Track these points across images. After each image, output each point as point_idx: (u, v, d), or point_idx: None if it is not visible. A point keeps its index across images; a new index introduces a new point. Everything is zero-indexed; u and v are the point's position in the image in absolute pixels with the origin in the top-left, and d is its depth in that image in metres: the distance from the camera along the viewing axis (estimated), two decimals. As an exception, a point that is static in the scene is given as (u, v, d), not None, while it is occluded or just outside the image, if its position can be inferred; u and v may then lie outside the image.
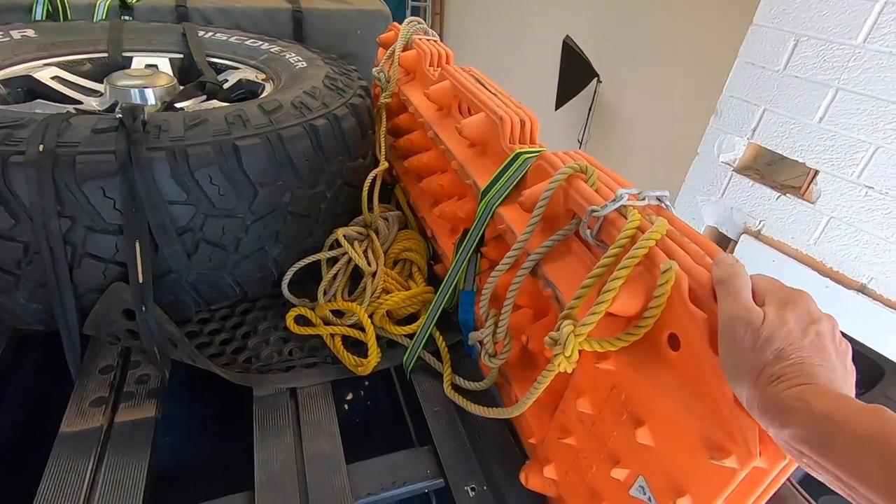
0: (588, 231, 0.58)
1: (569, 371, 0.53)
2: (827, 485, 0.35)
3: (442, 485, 0.72)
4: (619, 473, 0.52)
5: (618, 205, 0.55)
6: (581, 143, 3.22)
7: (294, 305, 0.94)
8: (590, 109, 3.14)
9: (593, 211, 0.57)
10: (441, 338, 0.89)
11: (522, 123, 0.83)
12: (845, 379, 0.39)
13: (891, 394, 3.39)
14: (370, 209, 1.06)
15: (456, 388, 0.82)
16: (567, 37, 2.93)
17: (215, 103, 1.09)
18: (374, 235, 1.04)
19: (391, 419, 1.00)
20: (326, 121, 0.92)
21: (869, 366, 3.02)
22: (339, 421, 0.77)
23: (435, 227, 1.04)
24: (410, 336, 0.89)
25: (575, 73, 2.99)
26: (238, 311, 0.95)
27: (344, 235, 0.98)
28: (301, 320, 0.93)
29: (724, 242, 1.79)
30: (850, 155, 1.41)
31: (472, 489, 0.70)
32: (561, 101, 3.09)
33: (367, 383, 1.17)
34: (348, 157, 0.99)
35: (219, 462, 0.88)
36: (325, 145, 0.91)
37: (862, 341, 1.53)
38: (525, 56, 3.69)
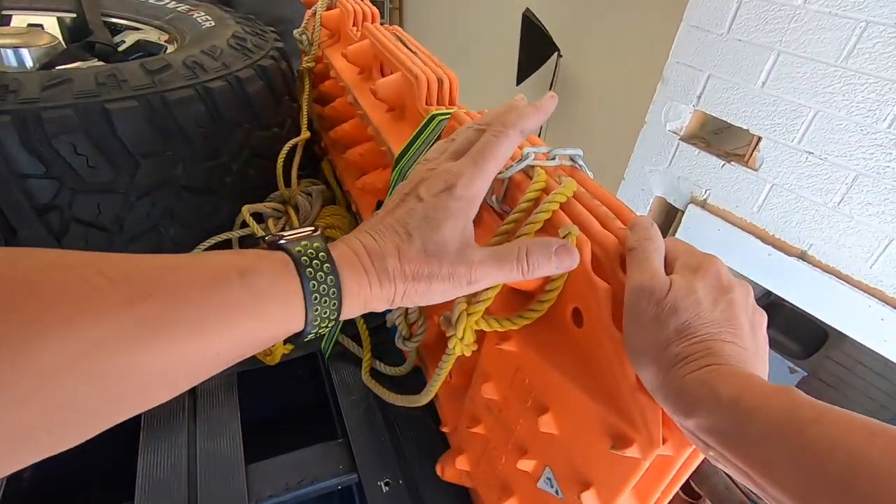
0: (494, 197, 0.52)
1: (466, 354, 0.47)
2: (737, 477, 0.31)
3: (356, 480, 0.66)
4: (525, 465, 0.47)
5: (523, 165, 0.49)
6: (542, 119, 3.16)
7: (200, 291, 0.85)
8: (551, 84, 3.07)
9: (497, 173, 0.50)
10: (361, 320, 0.82)
11: (440, 83, 0.76)
12: (757, 354, 0.34)
13: (835, 356, 3.55)
14: (287, 183, 0.97)
15: (376, 374, 0.76)
16: (527, 9, 2.83)
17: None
18: (292, 212, 0.95)
19: (317, 411, 0.93)
20: (226, 83, 0.82)
21: (814, 330, 3.14)
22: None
23: (359, 200, 0.96)
24: (328, 320, 0.82)
25: (535, 47, 2.91)
26: (135, 300, 0.85)
27: (254, 213, 0.89)
28: (207, 307, 0.84)
29: (672, 213, 1.78)
30: (791, 120, 1.39)
31: (387, 483, 0.65)
32: (522, 75, 3.02)
33: (299, 373, 1.09)
34: (257, 125, 0.89)
35: (103, 472, 0.79)
36: (225, 111, 0.81)
37: (803, 308, 1.56)
38: (486, 30, 3.57)
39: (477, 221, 0.58)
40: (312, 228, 0.36)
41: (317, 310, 0.32)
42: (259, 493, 0.62)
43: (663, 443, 0.36)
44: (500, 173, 0.50)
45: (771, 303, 3.12)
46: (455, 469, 0.60)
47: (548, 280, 0.43)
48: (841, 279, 1.41)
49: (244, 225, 0.91)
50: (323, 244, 0.34)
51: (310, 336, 0.33)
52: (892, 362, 1.39)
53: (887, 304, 1.35)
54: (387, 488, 0.64)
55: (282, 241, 0.34)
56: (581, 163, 0.52)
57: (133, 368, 0.25)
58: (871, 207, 1.33)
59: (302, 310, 0.32)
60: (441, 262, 0.36)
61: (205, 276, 0.29)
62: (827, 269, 1.44)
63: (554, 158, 0.50)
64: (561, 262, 0.39)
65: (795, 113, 1.38)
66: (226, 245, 0.89)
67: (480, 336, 0.49)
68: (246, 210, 0.86)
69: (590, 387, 0.40)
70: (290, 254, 0.32)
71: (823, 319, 1.49)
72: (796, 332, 3.16)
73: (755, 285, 1.67)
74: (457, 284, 0.37)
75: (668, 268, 0.38)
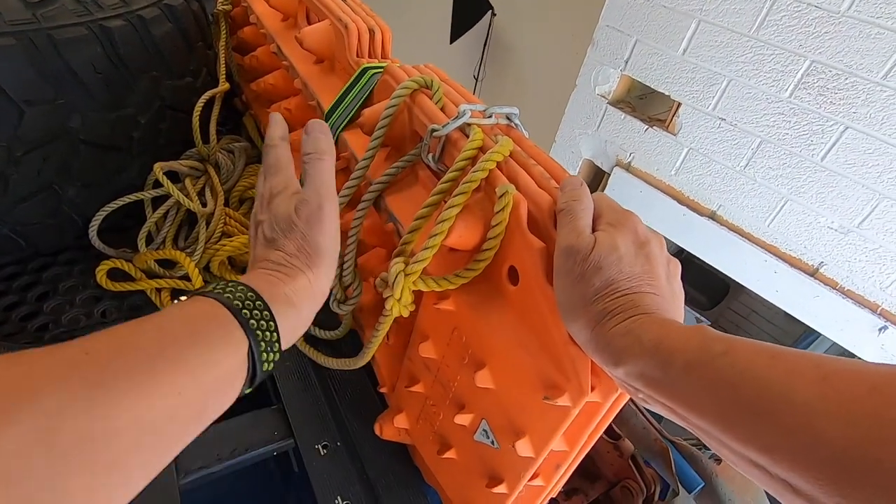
0: (430, 155, 0.51)
1: (404, 315, 0.46)
2: (665, 415, 0.33)
3: (292, 445, 0.66)
4: (463, 419, 0.49)
5: (459, 122, 0.48)
6: (477, 80, 3.12)
7: (110, 258, 0.78)
8: (485, 44, 3.02)
9: (433, 130, 0.49)
10: (293, 285, 0.79)
11: (372, 33, 0.72)
12: (674, 300, 0.37)
13: (734, 306, 3.94)
14: (205, 139, 0.89)
15: (310, 338, 0.74)
16: (461, -35, 2.74)
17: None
18: (212, 171, 0.88)
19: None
20: (127, 23, 0.72)
21: (718, 283, 3.45)
22: None
23: (287, 159, 0.91)
24: (257, 285, 0.78)
25: (469, 4, 2.84)
26: (31, 269, 0.76)
27: (169, 171, 0.81)
28: (120, 275, 0.77)
29: (599, 175, 1.86)
30: (708, 87, 1.48)
31: (325, 446, 0.64)
32: (455, 33, 2.94)
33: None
34: (166, 73, 0.80)
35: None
36: (127, 55, 0.72)
37: (711, 263, 1.71)
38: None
39: (413, 180, 0.57)
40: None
41: (245, 313, 0.33)
42: (188, 466, 0.60)
43: (592, 390, 0.38)
44: (435, 131, 0.49)
45: (683, 259, 3.41)
46: (393, 427, 0.60)
47: (484, 239, 0.43)
48: (743, 237, 1.55)
49: (158, 185, 0.83)
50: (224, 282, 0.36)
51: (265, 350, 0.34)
52: (780, 310, 1.57)
53: (780, 258, 1.51)
54: (325, 451, 0.64)
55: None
56: (517, 121, 0.52)
57: (99, 433, 0.24)
58: (771, 171, 1.46)
59: (233, 320, 0.32)
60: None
61: (138, 324, 0.29)
62: (732, 228, 1.57)
63: (490, 117, 0.50)
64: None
65: (711, 80, 1.46)
66: (137, 206, 0.82)
67: (418, 296, 0.49)
68: (159, 168, 0.78)
69: (524, 341, 0.41)
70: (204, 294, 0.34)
71: (728, 273, 1.64)
72: (703, 285, 3.49)
73: (670, 242, 1.80)
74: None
75: (594, 224, 0.39)
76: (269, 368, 0.35)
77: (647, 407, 0.34)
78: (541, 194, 0.42)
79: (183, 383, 0.28)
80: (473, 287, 0.45)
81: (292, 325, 0.37)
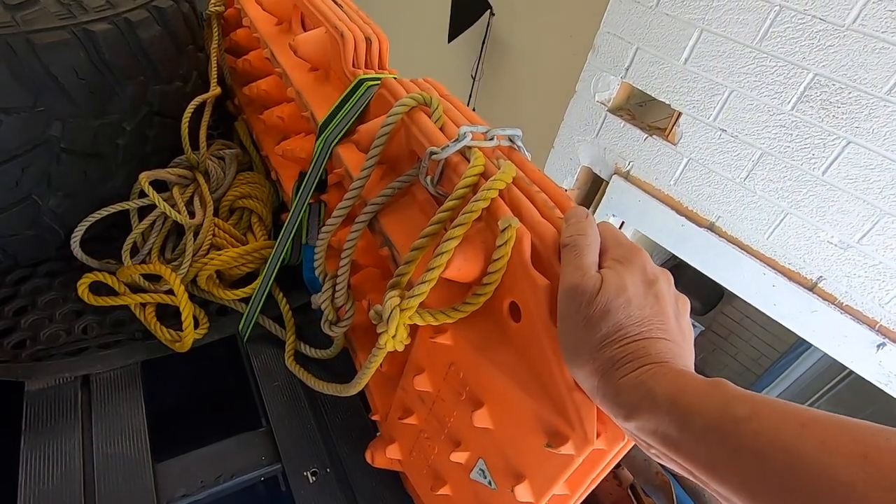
0: (428, 179, 0.48)
1: (399, 350, 0.44)
2: (681, 473, 0.31)
3: (280, 470, 0.63)
4: (459, 457, 0.46)
5: (460, 145, 0.46)
6: (475, 79, 3.09)
7: (93, 270, 0.75)
8: (483, 44, 2.99)
9: (432, 153, 0.46)
10: (284, 300, 0.76)
11: (369, 43, 0.69)
12: (684, 343, 0.34)
13: (728, 312, 3.93)
14: (195, 146, 0.86)
15: (301, 357, 0.72)
16: (456, -37, 2.71)
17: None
18: (201, 179, 0.85)
19: (239, 399, 0.87)
20: (112, 26, 0.69)
21: (713, 289, 3.44)
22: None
23: (279, 168, 0.88)
24: (246, 301, 0.76)
25: (466, 3, 2.81)
26: (10, 281, 0.73)
27: (156, 180, 0.78)
28: (103, 288, 0.74)
29: (598, 183, 1.83)
30: (709, 97, 1.46)
31: (314, 473, 0.62)
32: (453, 33, 2.92)
33: (216, 358, 1.01)
34: (154, 77, 0.77)
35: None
36: (112, 60, 0.69)
37: (708, 275, 1.69)
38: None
39: (410, 201, 0.55)
40: None
41: None
42: (170, 494, 0.57)
43: (597, 437, 0.36)
44: (434, 154, 0.46)
45: (677, 265, 3.42)
46: (386, 457, 0.58)
47: (485, 272, 0.40)
48: (742, 249, 1.54)
49: (144, 194, 0.80)
50: None
51: None
52: (773, 318, 1.56)
53: (779, 272, 1.49)
54: (314, 478, 0.61)
55: None
56: (519, 143, 0.49)
57: None
58: (771, 184, 1.44)
59: None
60: None
61: None
62: (731, 240, 1.56)
63: (492, 139, 0.47)
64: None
65: (713, 91, 1.44)
66: (124, 215, 0.79)
67: (413, 328, 0.46)
68: (144, 177, 0.75)
69: (526, 382, 0.39)
70: None
71: (725, 285, 1.63)
72: (698, 291, 3.49)
73: (666, 252, 1.78)
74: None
75: (600, 259, 0.37)
76: None
77: (662, 463, 0.32)
78: (545, 226, 0.40)
79: None
80: (472, 322, 0.42)
81: None
